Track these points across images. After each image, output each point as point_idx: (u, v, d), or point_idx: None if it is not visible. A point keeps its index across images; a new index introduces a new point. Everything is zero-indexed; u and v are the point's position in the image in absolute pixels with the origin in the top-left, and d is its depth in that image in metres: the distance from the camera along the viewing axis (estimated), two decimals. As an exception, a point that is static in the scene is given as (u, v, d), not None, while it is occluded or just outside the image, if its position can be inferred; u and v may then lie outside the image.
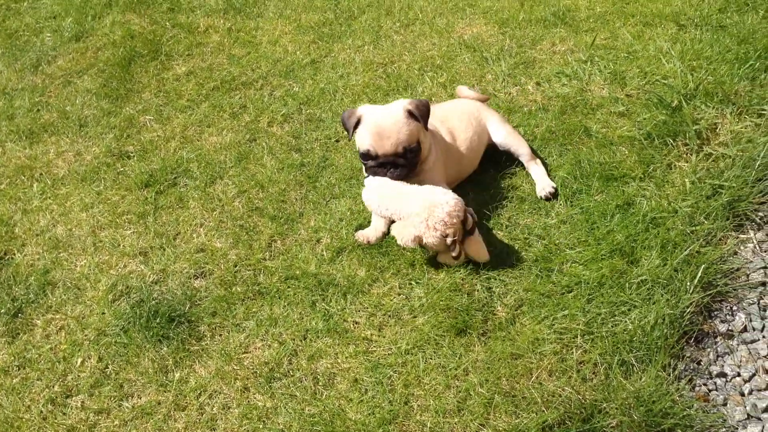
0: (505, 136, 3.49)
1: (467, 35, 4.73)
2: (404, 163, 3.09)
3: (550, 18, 4.72)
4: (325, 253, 3.19)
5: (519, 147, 3.47)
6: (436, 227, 2.83)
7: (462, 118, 3.47)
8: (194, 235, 3.41)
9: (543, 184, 3.33)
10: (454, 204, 2.86)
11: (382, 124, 3.07)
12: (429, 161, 3.21)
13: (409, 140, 3.07)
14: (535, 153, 3.51)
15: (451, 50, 4.58)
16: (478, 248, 2.93)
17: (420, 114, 3.11)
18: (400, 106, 3.12)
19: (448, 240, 2.83)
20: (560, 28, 4.61)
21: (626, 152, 3.45)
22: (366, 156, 3.13)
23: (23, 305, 3.17)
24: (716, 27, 4.30)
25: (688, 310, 2.65)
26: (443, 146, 3.32)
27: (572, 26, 4.61)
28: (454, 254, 2.87)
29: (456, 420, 2.43)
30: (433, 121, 3.34)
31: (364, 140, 3.11)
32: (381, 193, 3.06)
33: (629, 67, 4.06)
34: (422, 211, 2.87)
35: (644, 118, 3.61)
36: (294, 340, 2.82)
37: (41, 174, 4.01)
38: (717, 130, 3.47)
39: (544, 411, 2.39)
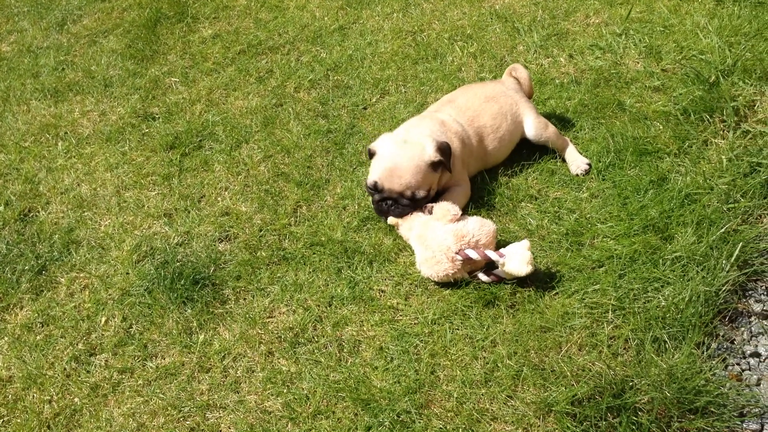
0: (540, 132, 3.34)
1: (498, 5, 4.63)
2: (408, 204, 2.97)
3: (584, -11, 4.60)
4: (351, 220, 3.15)
5: (555, 141, 3.34)
6: (438, 274, 2.77)
7: (496, 117, 3.31)
8: (219, 199, 3.38)
9: (577, 162, 3.25)
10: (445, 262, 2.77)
11: (399, 162, 2.95)
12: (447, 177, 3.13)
13: (419, 186, 2.96)
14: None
15: (482, 20, 4.49)
16: (509, 271, 2.71)
17: (446, 160, 2.99)
18: (427, 155, 2.96)
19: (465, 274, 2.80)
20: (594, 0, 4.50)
21: (661, 127, 3.37)
22: (373, 188, 3.00)
23: (47, 263, 3.16)
24: (755, 3, 4.17)
25: (723, 289, 2.59)
26: (464, 150, 3.20)
27: (607, -2, 4.50)
28: (485, 279, 2.79)
29: (483, 391, 2.40)
30: (460, 120, 3.24)
31: (374, 172, 3.00)
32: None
33: (665, 42, 3.96)
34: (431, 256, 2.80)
35: (680, 94, 3.52)
36: (319, 306, 2.79)
37: (66, 133, 3.99)
38: (755, 108, 3.38)
39: (573, 385, 2.35)
